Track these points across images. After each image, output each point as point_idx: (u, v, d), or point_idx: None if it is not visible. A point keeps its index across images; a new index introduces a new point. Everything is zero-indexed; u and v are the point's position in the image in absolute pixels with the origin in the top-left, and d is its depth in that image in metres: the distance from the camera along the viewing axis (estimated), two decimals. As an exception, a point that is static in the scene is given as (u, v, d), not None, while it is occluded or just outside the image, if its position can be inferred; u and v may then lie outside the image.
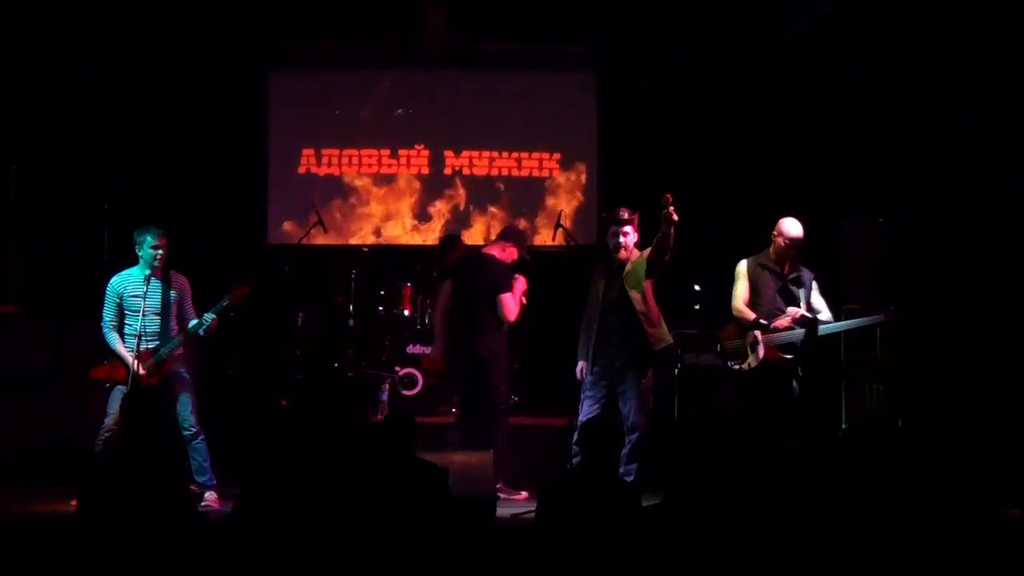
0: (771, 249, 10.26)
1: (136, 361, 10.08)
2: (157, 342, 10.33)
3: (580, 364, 10.41)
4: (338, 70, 14.74)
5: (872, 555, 5.57)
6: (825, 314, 10.22)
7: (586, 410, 10.26)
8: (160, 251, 10.32)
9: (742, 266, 10.37)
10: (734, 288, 10.39)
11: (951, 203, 12.56)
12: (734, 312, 10.35)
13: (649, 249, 10.19)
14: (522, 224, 14.00)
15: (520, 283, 11.21)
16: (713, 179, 13.66)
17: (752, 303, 10.25)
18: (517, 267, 11.25)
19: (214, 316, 10.38)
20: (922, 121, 12.72)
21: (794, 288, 10.21)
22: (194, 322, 10.45)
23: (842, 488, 6.46)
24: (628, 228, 10.30)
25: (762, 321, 10.10)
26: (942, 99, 12.64)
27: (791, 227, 10.16)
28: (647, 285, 10.20)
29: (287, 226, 14.46)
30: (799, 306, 10.12)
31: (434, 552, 6.86)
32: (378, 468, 7.37)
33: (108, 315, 10.37)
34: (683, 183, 13.47)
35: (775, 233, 10.21)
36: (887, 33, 12.78)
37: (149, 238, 10.31)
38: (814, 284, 10.31)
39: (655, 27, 13.76)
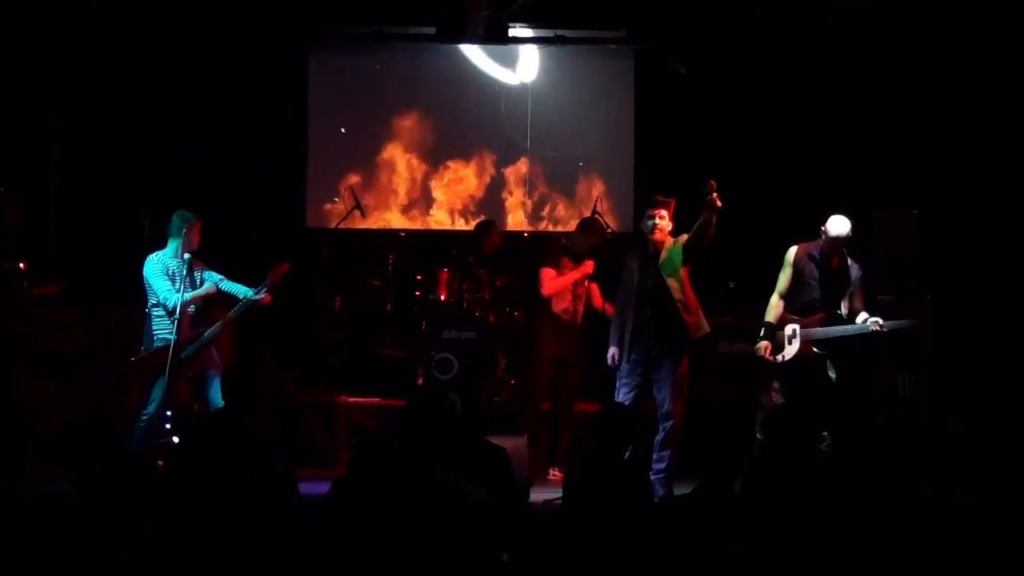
0: (821, 242, 10.25)
1: (174, 347, 10.20)
2: (195, 320, 10.48)
3: (612, 350, 10.39)
4: (377, 54, 14.74)
5: (900, 552, 5.61)
6: (861, 316, 10.18)
7: (622, 397, 10.24)
8: (195, 234, 10.55)
9: (790, 254, 10.35)
10: (778, 276, 10.42)
11: (985, 193, 12.57)
12: (770, 301, 10.38)
13: (685, 236, 10.20)
14: (559, 211, 14.17)
15: (586, 266, 11.47)
16: (749, 168, 13.65)
17: (793, 293, 10.31)
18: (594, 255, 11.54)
19: (257, 297, 10.52)
20: (956, 111, 12.73)
21: (838, 283, 10.23)
22: (233, 285, 10.61)
23: (870, 482, 6.49)
24: (664, 212, 10.27)
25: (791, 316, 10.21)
26: (977, 89, 12.65)
27: (833, 225, 10.12)
28: (684, 273, 10.18)
29: (325, 210, 14.50)
30: (839, 303, 10.16)
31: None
32: (456, 454, 7.45)
33: (166, 284, 10.40)
34: (718, 171, 13.55)
35: (821, 229, 10.18)
36: (921, 24, 12.77)
37: (190, 218, 10.55)
38: (860, 282, 10.33)
39: (694, 13, 13.75)
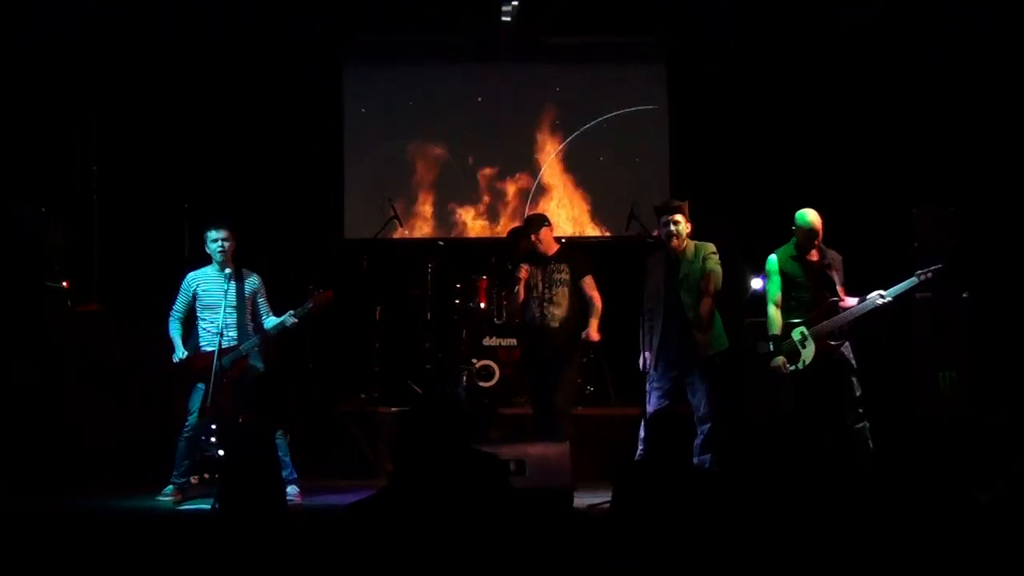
0: (795, 242, 10.37)
1: (217, 357, 10.32)
2: (234, 335, 10.59)
3: (643, 356, 10.40)
4: (412, 64, 14.81)
5: (937, 550, 5.62)
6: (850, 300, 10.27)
7: (654, 402, 10.32)
8: (222, 243, 10.64)
9: (772, 262, 10.47)
10: (767, 287, 10.52)
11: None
12: (768, 314, 10.45)
13: (712, 251, 10.36)
14: (596, 217, 14.28)
15: (521, 271, 11.20)
16: (783, 168, 13.65)
17: (791, 297, 10.37)
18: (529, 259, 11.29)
19: (295, 319, 10.61)
20: (993, 107, 12.71)
21: (825, 274, 10.28)
22: (274, 321, 10.68)
23: (911, 478, 6.50)
24: (679, 216, 10.34)
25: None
26: (1014, 85, 12.63)
27: (801, 219, 10.31)
28: (703, 286, 10.31)
29: (363, 221, 14.51)
30: (836, 289, 10.19)
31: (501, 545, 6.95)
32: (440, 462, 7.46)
33: (177, 305, 10.75)
34: (753, 172, 13.59)
35: (793, 227, 10.36)
36: (953, 20, 12.76)
37: (212, 232, 10.66)
38: (842, 267, 10.41)
39: (723, 15, 13.78)
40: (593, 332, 10.95)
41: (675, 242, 10.32)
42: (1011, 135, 12.65)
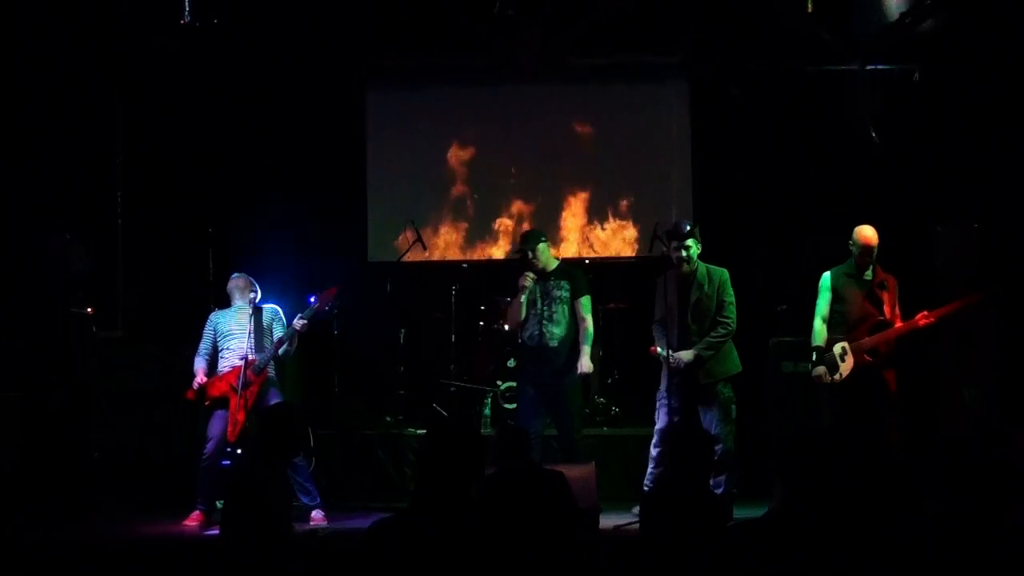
0: (852, 259, 10.40)
1: (241, 373, 10.57)
2: (259, 356, 10.74)
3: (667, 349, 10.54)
4: (433, 86, 14.82)
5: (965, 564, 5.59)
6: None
7: (663, 419, 10.45)
8: (234, 291, 11.13)
9: (826, 279, 10.53)
10: (817, 302, 10.54)
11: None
12: (814, 327, 10.50)
13: (723, 282, 10.54)
14: (621, 238, 14.31)
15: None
16: (806, 187, 13.65)
17: (839, 312, 10.41)
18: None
19: (304, 320, 10.79)
20: (1017, 124, 12.69)
21: (879, 293, 10.32)
22: (284, 334, 10.87)
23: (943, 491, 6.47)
24: (690, 242, 10.47)
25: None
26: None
27: (860, 236, 10.33)
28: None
29: (387, 244, 14.52)
30: (884, 309, 10.21)
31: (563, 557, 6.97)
32: (501, 481, 7.47)
33: (202, 344, 11.08)
34: (775, 192, 13.57)
35: (850, 243, 10.39)
36: (975, 39, 12.75)
37: (231, 280, 11.19)
38: (895, 290, 10.47)
39: (747, 36, 13.77)
40: (584, 362, 10.95)
41: (686, 268, 10.46)
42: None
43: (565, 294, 11.03)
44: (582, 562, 7.41)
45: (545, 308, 11.02)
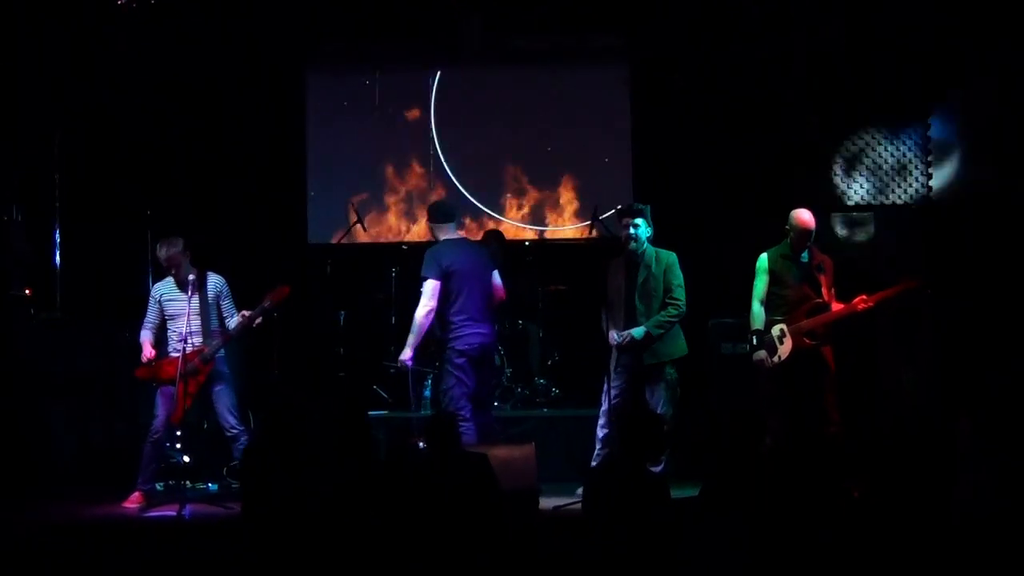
0: (789, 241, 10.43)
1: (182, 361, 10.31)
2: (199, 341, 10.60)
3: (611, 334, 10.58)
4: (374, 69, 14.80)
5: (908, 550, 5.64)
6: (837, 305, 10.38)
7: (610, 400, 10.44)
8: (165, 260, 10.76)
9: (763, 261, 10.55)
10: (754, 284, 10.56)
11: (991, 185, 12.58)
12: (752, 310, 10.52)
13: (670, 265, 10.54)
14: (556, 219, 14.31)
15: None
16: (744, 172, 13.67)
17: (776, 295, 10.45)
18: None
19: (260, 319, 10.70)
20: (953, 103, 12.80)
21: (817, 275, 10.36)
22: (236, 321, 10.67)
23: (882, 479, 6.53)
24: (639, 220, 10.49)
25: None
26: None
27: (797, 218, 10.38)
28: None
29: (326, 226, 14.50)
30: (822, 291, 10.27)
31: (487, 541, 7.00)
32: (428, 465, 7.52)
33: (147, 316, 10.84)
34: (716, 176, 13.60)
35: (787, 227, 10.42)
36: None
37: (158, 251, 10.79)
38: (831, 272, 10.48)
39: (691, 20, 13.79)
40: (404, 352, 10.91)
41: (633, 245, 10.46)
42: (981, 128, 12.71)
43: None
44: (517, 543, 7.44)
45: None
